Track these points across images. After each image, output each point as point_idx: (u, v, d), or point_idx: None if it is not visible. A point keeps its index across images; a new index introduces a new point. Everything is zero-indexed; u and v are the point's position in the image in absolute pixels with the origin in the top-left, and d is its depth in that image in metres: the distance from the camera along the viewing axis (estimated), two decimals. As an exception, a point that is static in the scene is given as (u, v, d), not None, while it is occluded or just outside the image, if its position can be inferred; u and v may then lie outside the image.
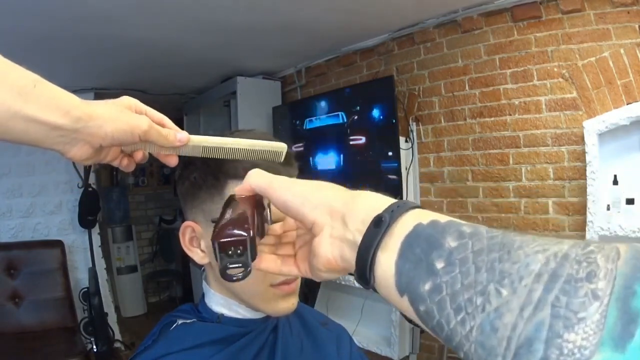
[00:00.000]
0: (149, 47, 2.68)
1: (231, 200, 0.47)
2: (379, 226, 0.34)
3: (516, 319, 0.26)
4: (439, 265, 0.30)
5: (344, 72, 3.11)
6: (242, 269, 0.42)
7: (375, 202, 0.37)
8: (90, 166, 3.46)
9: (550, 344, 0.25)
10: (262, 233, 0.48)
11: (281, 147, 0.59)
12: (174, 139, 0.54)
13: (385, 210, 0.35)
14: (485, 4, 2.28)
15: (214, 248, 0.42)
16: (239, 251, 0.41)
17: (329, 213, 0.39)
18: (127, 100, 0.52)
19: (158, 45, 2.64)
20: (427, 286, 0.30)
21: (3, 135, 0.43)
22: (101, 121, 0.47)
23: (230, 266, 0.42)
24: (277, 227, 0.52)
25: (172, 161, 0.57)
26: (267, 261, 0.48)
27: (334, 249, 0.38)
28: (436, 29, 2.54)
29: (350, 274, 0.38)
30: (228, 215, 0.44)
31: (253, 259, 0.42)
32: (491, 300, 0.27)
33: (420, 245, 0.32)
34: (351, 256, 0.36)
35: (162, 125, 0.55)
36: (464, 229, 0.31)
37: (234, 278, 0.42)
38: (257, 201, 0.48)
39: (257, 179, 0.46)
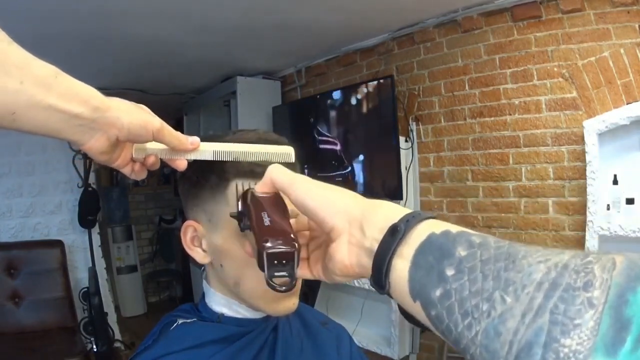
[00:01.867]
0: (149, 47, 2.68)
1: (257, 199, 0.47)
2: (395, 235, 0.36)
3: (518, 325, 0.28)
4: (449, 272, 0.32)
5: (344, 71, 3.11)
6: (288, 280, 0.42)
7: (391, 212, 0.39)
8: (90, 166, 3.47)
9: (548, 348, 0.26)
10: None
11: (288, 149, 0.60)
12: (186, 141, 0.54)
13: (401, 220, 0.37)
14: (485, 4, 2.28)
15: (261, 257, 0.42)
16: (284, 262, 0.42)
17: (348, 220, 0.40)
18: (141, 105, 0.53)
19: (158, 45, 2.64)
20: (437, 292, 0.32)
21: (24, 125, 0.43)
22: (118, 112, 0.48)
23: (277, 274, 0.42)
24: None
25: (182, 165, 0.57)
26: None
27: (351, 255, 0.40)
28: (436, 29, 2.54)
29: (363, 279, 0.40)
30: (266, 218, 0.44)
31: (297, 267, 0.43)
32: (496, 307, 0.29)
33: (432, 253, 0.34)
34: (367, 263, 0.38)
35: None
36: (473, 239, 0.33)
37: (279, 288, 0.42)
38: (282, 202, 0.48)
39: (278, 176, 0.47)
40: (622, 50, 1.92)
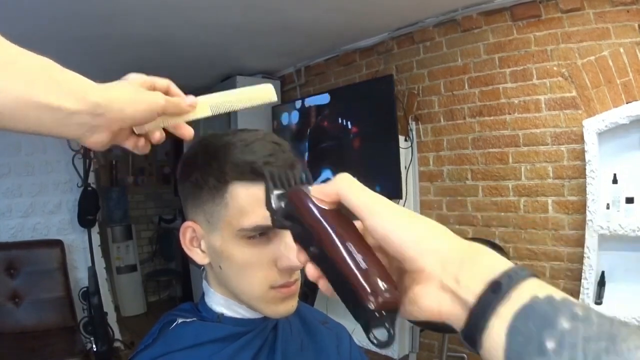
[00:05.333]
0: (149, 47, 2.67)
1: (325, 215, 0.40)
2: (497, 292, 0.33)
3: None
4: (550, 345, 0.30)
5: (343, 71, 3.11)
6: (387, 334, 0.37)
7: (493, 263, 0.35)
8: (89, 165, 3.46)
9: None
10: None
11: (269, 87, 0.60)
12: (185, 105, 0.53)
13: (502, 275, 0.34)
14: (485, 3, 2.28)
15: (363, 310, 0.36)
16: (387, 311, 0.36)
17: (442, 264, 0.36)
18: (137, 77, 0.51)
19: (158, 44, 2.64)
20: None
21: (17, 125, 0.41)
22: (121, 104, 0.46)
23: (378, 331, 0.37)
24: None
25: (187, 133, 0.55)
26: (334, 294, 0.43)
27: (442, 303, 0.36)
28: (436, 28, 2.54)
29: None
30: (355, 254, 0.37)
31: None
32: None
33: (534, 320, 0.31)
34: (459, 314, 0.35)
35: (169, 92, 0.54)
36: (576, 311, 0.31)
37: (381, 346, 0.38)
38: (351, 221, 0.40)
39: (352, 193, 0.39)
40: (621, 50, 1.93)
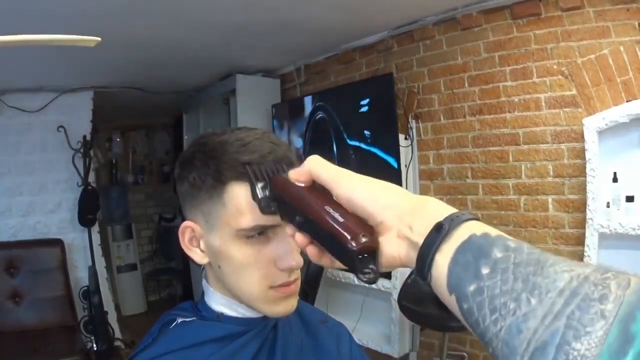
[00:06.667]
0: (149, 46, 2.67)
1: (304, 191, 0.48)
2: (439, 232, 0.39)
3: (538, 325, 0.31)
4: (485, 271, 0.35)
5: (343, 69, 3.10)
6: (373, 272, 0.44)
7: (438, 209, 0.42)
8: (90, 164, 3.47)
9: (560, 350, 0.29)
10: None
11: (93, 38, 0.61)
12: None
13: (446, 219, 0.39)
14: (485, 2, 2.27)
15: (350, 257, 0.43)
16: (366, 255, 0.43)
17: (398, 215, 0.43)
18: None
19: (157, 43, 2.64)
20: (472, 287, 0.35)
21: None
22: None
23: (365, 270, 0.43)
24: None
25: None
26: (321, 257, 0.49)
27: (400, 249, 0.43)
28: (435, 27, 2.54)
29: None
30: (334, 212, 0.45)
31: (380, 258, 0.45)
32: (521, 307, 0.32)
33: (472, 252, 0.37)
34: (413, 255, 0.41)
35: None
36: (509, 243, 0.36)
37: (368, 281, 0.44)
38: (326, 190, 0.48)
39: (320, 169, 0.48)
40: (621, 48, 1.92)
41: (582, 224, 2.02)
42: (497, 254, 0.35)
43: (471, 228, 0.39)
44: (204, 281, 0.73)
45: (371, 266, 0.43)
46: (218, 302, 0.69)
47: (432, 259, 0.39)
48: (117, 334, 3.56)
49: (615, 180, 1.93)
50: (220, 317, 0.68)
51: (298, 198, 0.48)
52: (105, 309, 3.34)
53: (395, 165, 2.54)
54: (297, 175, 0.49)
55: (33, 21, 2.12)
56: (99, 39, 0.60)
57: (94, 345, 3.09)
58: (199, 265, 0.69)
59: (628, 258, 1.93)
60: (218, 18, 2.33)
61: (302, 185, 0.48)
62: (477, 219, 0.40)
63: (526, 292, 0.32)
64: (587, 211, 1.97)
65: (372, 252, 0.44)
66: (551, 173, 2.16)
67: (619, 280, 0.30)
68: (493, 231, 0.38)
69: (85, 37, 0.60)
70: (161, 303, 4.96)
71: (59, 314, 3.06)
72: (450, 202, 2.55)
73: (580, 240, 2.03)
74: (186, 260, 4.46)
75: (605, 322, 0.28)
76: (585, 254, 1.97)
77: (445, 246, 0.38)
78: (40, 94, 3.34)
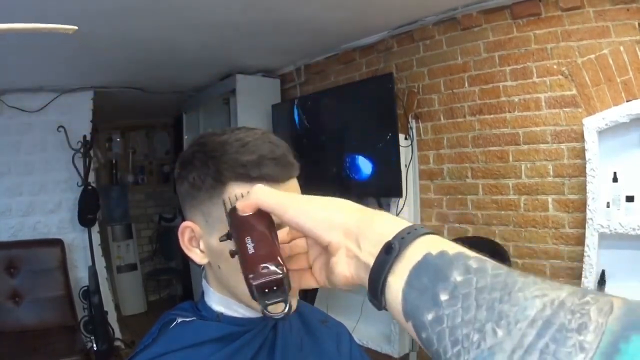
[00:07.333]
0: (148, 46, 2.67)
1: (241, 220, 0.47)
2: (390, 253, 0.36)
3: None
4: (443, 297, 0.32)
5: (343, 69, 3.10)
6: (283, 305, 0.43)
7: (387, 226, 0.38)
8: (90, 164, 3.46)
9: None
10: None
11: (71, 28, 0.62)
12: None
13: (396, 237, 0.36)
14: (485, 1, 2.27)
15: (250, 290, 0.43)
16: (274, 288, 0.42)
17: (344, 233, 0.41)
18: None
19: (157, 43, 2.64)
20: (429, 316, 0.32)
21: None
22: None
23: (269, 303, 0.43)
24: (284, 235, 0.52)
25: None
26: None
27: (350, 268, 0.41)
28: (435, 27, 2.54)
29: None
30: (250, 244, 0.44)
31: (289, 290, 0.44)
32: (487, 339, 0.29)
33: (427, 275, 0.33)
34: (363, 276, 0.39)
35: None
36: (470, 264, 0.33)
37: (277, 316, 0.43)
38: (268, 218, 0.47)
39: (265, 198, 0.46)
40: (621, 48, 1.92)
41: (582, 224, 2.02)
42: (457, 277, 0.32)
43: (427, 245, 0.35)
44: (203, 281, 0.73)
45: (278, 299, 0.43)
46: (218, 302, 0.69)
47: (384, 282, 0.36)
48: (117, 334, 3.56)
49: (615, 180, 1.93)
50: (220, 317, 0.68)
51: (233, 229, 0.48)
52: (105, 309, 3.34)
53: (395, 165, 2.53)
54: (243, 206, 0.47)
55: (32, 22, 2.12)
56: (76, 27, 0.60)
57: (94, 345, 3.09)
58: (199, 266, 0.69)
59: (628, 258, 1.93)
60: (218, 18, 2.33)
61: (248, 214, 0.47)
62: (434, 233, 0.37)
63: (492, 322, 0.29)
64: (587, 211, 1.97)
65: (278, 285, 0.42)
66: (551, 173, 2.16)
67: (599, 304, 0.27)
68: (452, 248, 0.35)
69: (63, 25, 0.61)
70: (161, 303, 4.96)
71: (59, 314, 3.05)
72: (450, 202, 2.56)
73: (580, 240, 2.03)
74: (186, 260, 4.42)
75: (585, 356, 0.25)
76: (585, 254, 1.97)
77: (399, 266, 0.35)
78: (40, 94, 3.34)
